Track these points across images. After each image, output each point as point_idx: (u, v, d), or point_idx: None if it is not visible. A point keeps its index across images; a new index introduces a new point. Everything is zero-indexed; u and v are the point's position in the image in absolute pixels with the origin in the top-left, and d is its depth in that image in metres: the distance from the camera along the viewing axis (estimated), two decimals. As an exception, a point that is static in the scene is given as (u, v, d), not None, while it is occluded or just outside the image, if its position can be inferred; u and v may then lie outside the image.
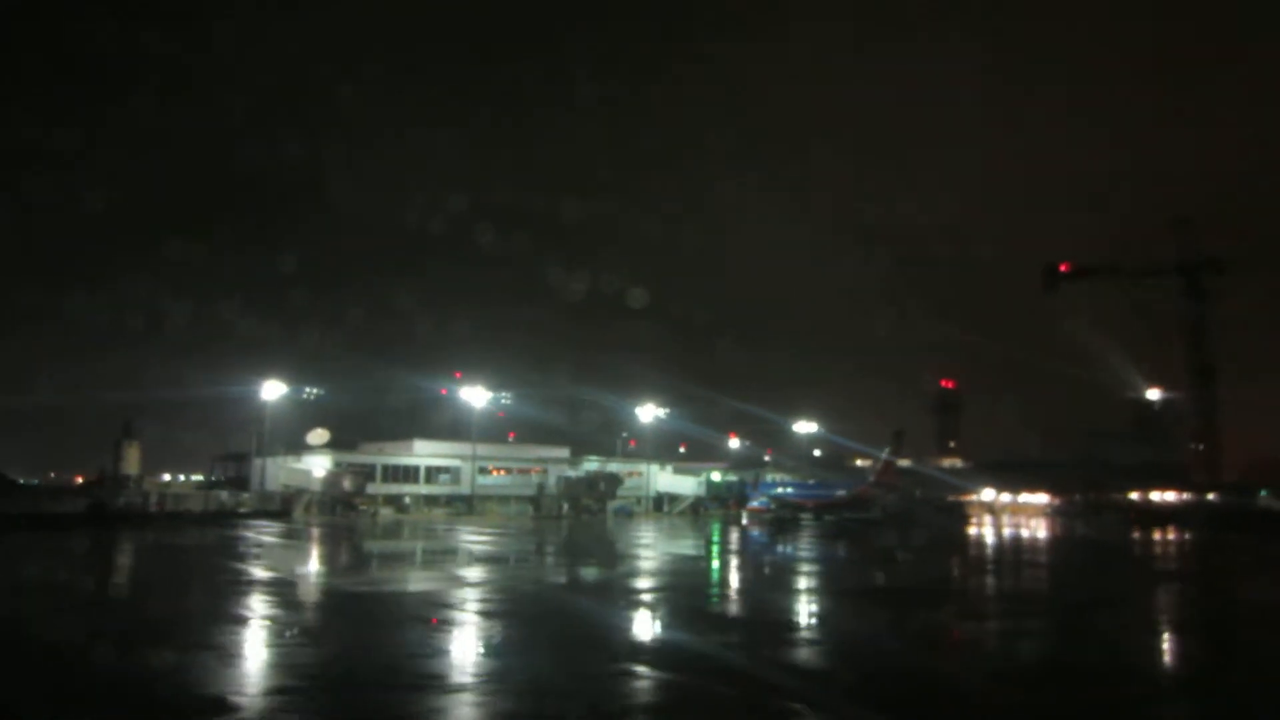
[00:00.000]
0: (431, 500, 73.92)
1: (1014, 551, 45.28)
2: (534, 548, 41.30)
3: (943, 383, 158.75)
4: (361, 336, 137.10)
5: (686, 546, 43.64)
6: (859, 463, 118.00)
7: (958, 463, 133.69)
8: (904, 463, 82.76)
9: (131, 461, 71.02)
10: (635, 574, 29.93)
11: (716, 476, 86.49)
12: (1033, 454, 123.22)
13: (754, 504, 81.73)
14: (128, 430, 72.10)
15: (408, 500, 71.85)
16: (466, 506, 73.14)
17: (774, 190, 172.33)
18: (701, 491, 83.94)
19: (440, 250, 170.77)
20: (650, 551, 39.64)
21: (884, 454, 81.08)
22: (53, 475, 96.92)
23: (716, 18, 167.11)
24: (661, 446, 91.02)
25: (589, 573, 30.80)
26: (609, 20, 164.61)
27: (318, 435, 75.91)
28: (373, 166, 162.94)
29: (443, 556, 35.61)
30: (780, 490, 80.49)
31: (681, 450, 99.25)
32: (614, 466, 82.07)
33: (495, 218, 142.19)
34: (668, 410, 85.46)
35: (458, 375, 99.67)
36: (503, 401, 76.46)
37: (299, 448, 74.36)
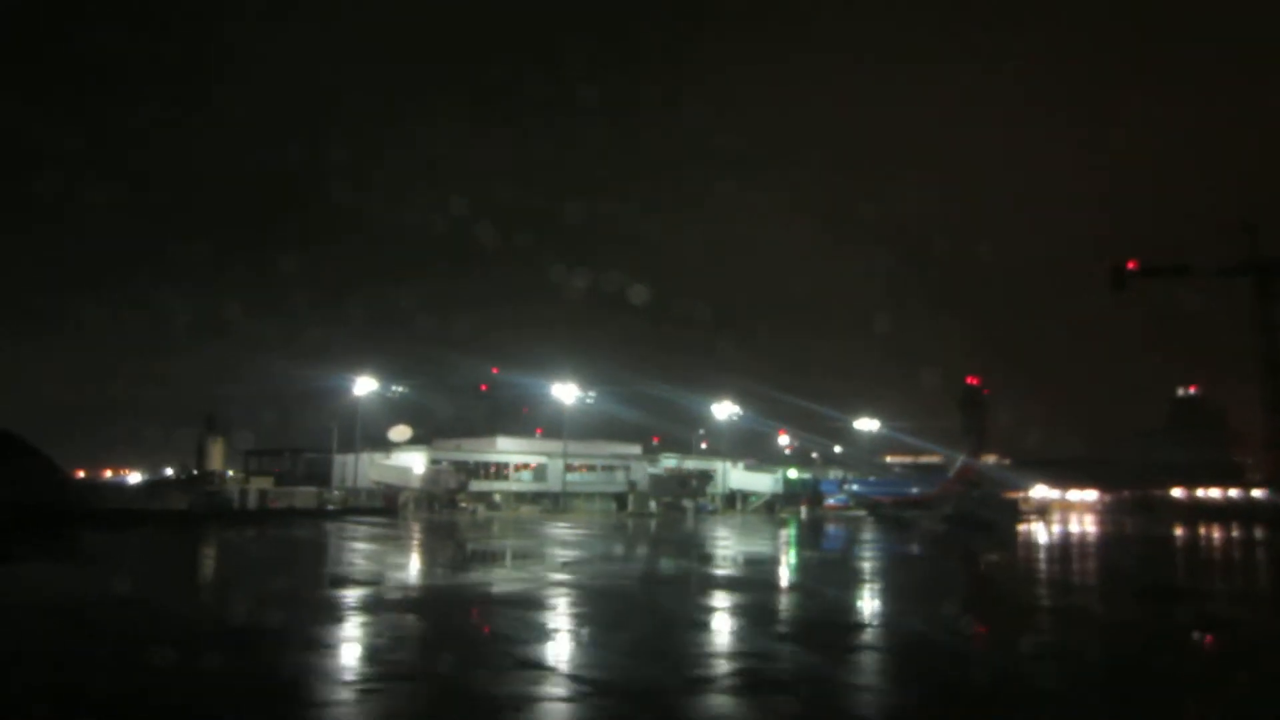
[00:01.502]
0: (519, 497, 73.20)
1: (1136, 550, 45.52)
2: (689, 547, 40.65)
3: (968, 379, 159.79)
4: (413, 336, 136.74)
5: (824, 548, 43.24)
6: (888, 459, 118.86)
7: (990, 459, 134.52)
8: (990, 459, 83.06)
9: (215, 458, 69.75)
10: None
11: (793, 474, 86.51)
12: (1060, 451, 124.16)
13: (831, 501, 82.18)
14: (211, 426, 70.76)
15: (498, 497, 71.04)
16: (553, 504, 72.50)
17: (789, 193, 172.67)
18: (779, 489, 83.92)
19: (482, 253, 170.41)
20: (811, 553, 39.77)
21: (961, 457, 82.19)
22: (131, 472, 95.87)
23: (721, 18, 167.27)
24: (685, 443, 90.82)
25: (792, 572, 30.87)
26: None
27: (399, 431, 74.98)
28: (391, 170, 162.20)
29: (626, 557, 35.48)
30: (857, 488, 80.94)
31: (704, 447, 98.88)
32: (690, 463, 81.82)
33: (530, 222, 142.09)
34: (740, 408, 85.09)
35: (495, 371, 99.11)
36: (587, 401, 75.86)
37: (379, 444, 73.55)
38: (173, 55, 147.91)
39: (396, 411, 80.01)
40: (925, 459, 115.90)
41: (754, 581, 26.89)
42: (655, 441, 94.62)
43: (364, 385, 68.65)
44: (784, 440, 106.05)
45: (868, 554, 37.99)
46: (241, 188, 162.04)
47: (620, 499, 74.73)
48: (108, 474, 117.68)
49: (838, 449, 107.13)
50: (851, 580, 27.45)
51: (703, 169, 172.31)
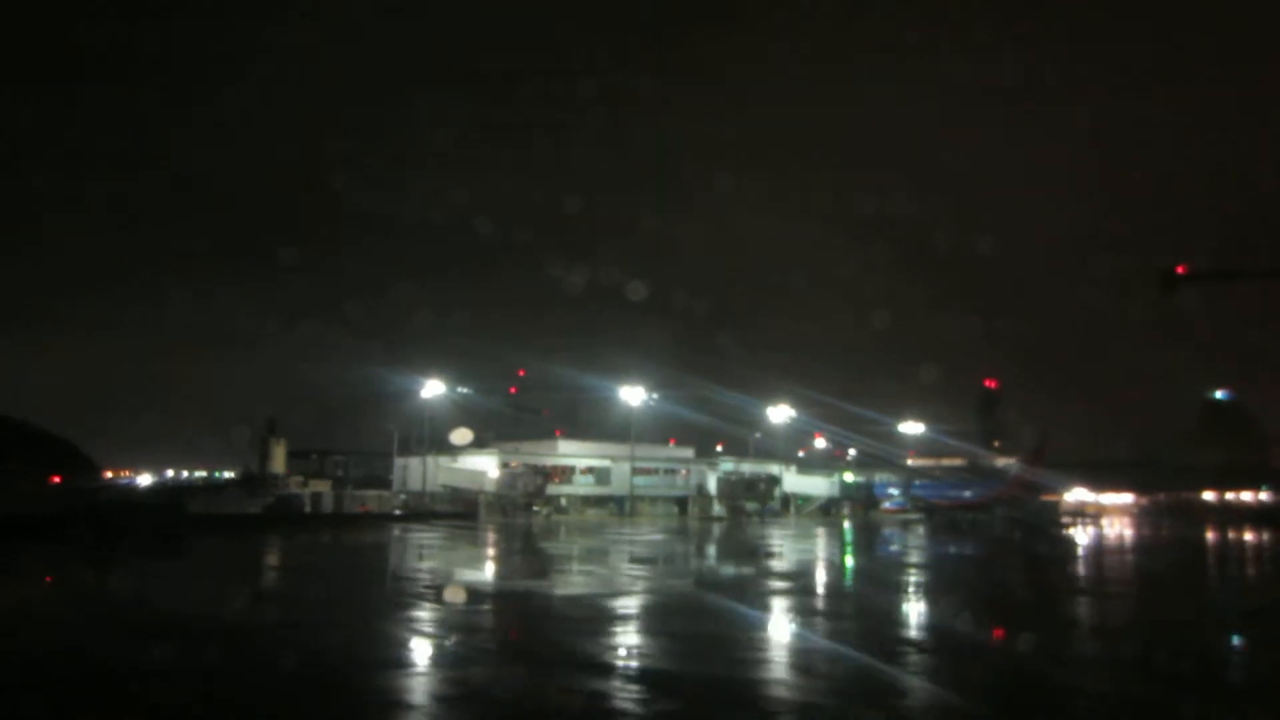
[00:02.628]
0: (584, 501, 72.41)
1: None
2: (801, 556, 40.04)
3: (986, 382, 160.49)
4: (429, 337, 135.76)
5: (927, 554, 42.70)
6: (909, 462, 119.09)
7: (1009, 462, 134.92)
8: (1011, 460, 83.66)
9: (278, 461, 68.56)
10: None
11: (849, 478, 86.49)
12: (1089, 454, 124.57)
13: (887, 505, 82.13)
14: (273, 428, 69.58)
15: (564, 501, 70.26)
16: (619, 507, 71.73)
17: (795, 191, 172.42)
18: (835, 492, 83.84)
19: (488, 253, 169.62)
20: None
21: (1017, 466, 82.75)
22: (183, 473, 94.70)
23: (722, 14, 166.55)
24: (700, 441, 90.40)
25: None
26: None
27: (461, 434, 74.15)
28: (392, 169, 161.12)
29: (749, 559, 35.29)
30: (915, 491, 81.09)
31: (720, 449, 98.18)
32: (746, 466, 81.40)
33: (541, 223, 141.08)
34: (791, 410, 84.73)
35: (521, 373, 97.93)
36: (650, 403, 75.11)
37: (444, 447, 72.79)
38: (200, 56, 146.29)
39: (421, 413, 79.51)
40: (947, 461, 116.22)
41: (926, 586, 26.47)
42: (672, 443, 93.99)
43: (432, 388, 67.85)
44: (818, 443, 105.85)
45: (972, 561, 38.05)
46: (240, 186, 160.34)
47: (681, 503, 74.19)
48: (108, 475, 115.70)
49: (853, 452, 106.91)
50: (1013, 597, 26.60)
51: (699, 164, 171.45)
